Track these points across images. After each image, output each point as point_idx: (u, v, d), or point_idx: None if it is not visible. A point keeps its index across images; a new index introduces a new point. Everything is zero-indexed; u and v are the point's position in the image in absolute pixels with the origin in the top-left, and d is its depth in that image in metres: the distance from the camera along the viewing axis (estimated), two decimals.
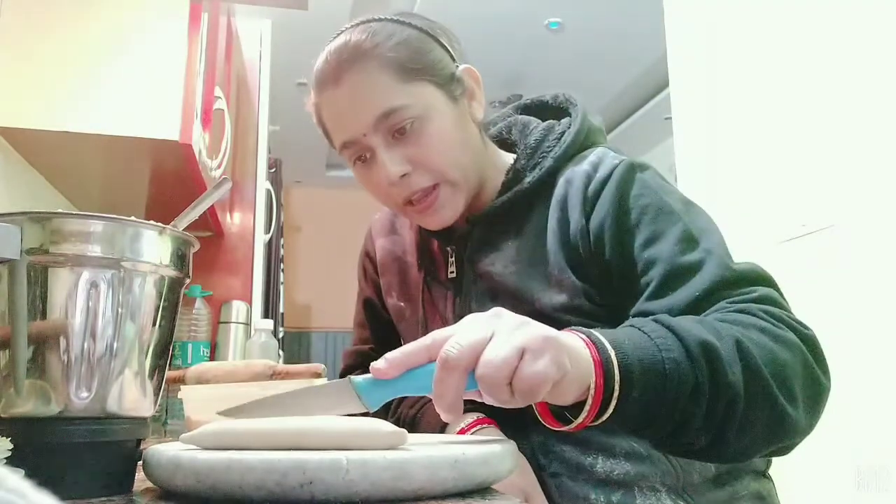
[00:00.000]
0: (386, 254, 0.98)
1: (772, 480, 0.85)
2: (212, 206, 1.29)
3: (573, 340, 0.54)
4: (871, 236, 1.56)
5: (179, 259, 0.55)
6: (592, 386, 0.53)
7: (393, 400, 0.67)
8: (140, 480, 0.53)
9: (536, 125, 0.89)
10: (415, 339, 0.91)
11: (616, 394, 0.53)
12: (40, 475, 0.31)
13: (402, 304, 0.95)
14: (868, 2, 1.62)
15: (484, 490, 0.49)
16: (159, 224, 0.53)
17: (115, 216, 0.51)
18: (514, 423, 0.77)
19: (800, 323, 0.65)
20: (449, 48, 0.83)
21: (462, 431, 0.77)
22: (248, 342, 1.88)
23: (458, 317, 0.86)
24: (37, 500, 0.23)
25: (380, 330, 1.04)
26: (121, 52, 1.24)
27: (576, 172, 0.80)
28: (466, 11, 3.14)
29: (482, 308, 0.83)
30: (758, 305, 0.65)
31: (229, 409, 0.55)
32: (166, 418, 1.29)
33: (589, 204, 0.77)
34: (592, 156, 0.81)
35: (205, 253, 1.62)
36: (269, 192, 2.47)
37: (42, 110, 1.19)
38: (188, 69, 1.27)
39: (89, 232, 0.50)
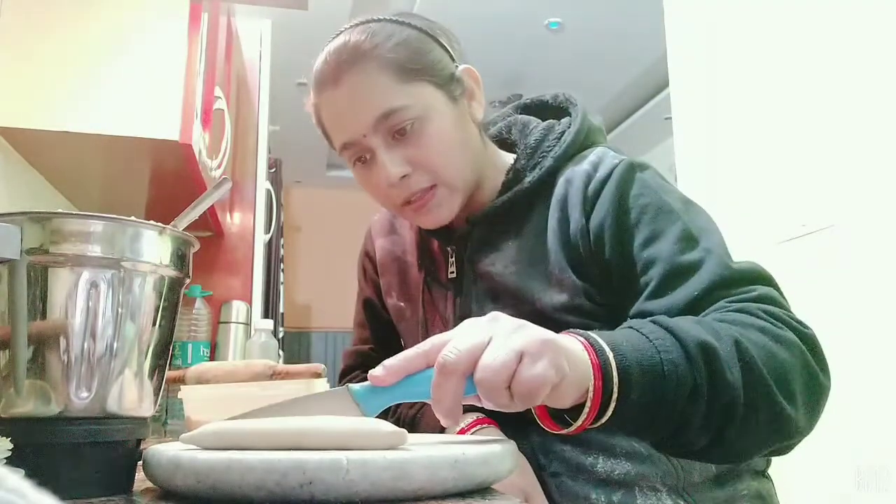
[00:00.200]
0: (386, 254, 0.98)
1: (771, 480, 0.85)
2: (212, 206, 1.29)
3: (571, 343, 0.54)
4: (871, 236, 1.56)
5: (179, 259, 0.55)
6: (591, 388, 0.53)
7: None
8: (140, 480, 0.53)
9: (536, 125, 0.89)
10: (415, 339, 0.92)
11: (615, 396, 0.53)
12: (40, 475, 0.31)
13: (402, 304, 0.95)
14: (868, 2, 1.62)
15: (484, 490, 0.49)
16: (159, 224, 0.53)
17: (115, 216, 0.51)
18: (514, 423, 0.77)
19: (799, 322, 0.65)
20: (448, 48, 0.83)
21: (462, 431, 0.77)
22: (248, 342, 1.88)
23: (459, 317, 0.86)
24: (37, 500, 0.23)
25: (380, 330, 1.04)
26: (121, 52, 1.24)
27: (576, 172, 0.80)
28: (466, 11, 3.14)
29: (482, 308, 0.83)
30: (757, 305, 0.65)
31: (226, 420, 0.54)
32: (166, 418, 1.29)
33: (589, 203, 0.77)
34: (592, 155, 0.81)
35: (205, 253, 1.62)
36: (269, 192, 2.47)
37: (42, 110, 1.19)
38: (188, 69, 1.27)
39: (89, 232, 0.50)
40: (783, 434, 0.60)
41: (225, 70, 1.78)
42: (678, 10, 2.38)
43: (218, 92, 1.62)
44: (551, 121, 0.88)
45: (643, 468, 0.74)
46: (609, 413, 0.54)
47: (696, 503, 0.74)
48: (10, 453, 0.44)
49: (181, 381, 0.84)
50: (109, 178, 1.52)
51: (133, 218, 0.52)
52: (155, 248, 0.53)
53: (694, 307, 0.67)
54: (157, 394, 0.55)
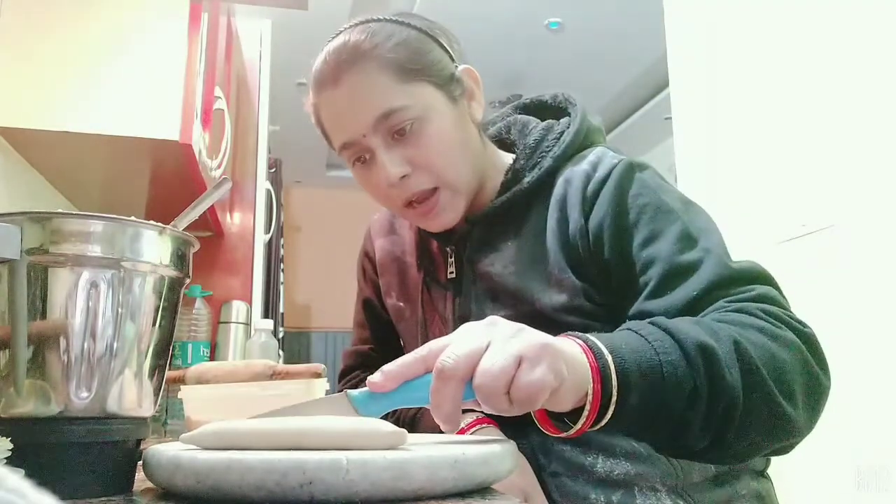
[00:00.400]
0: (385, 254, 0.98)
1: (771, 480, 0.85)
2: (212, 206, 1.29)
3: (570, 346, 0.54)
4: (871, 236, 1.56)
5: (179, 259, 0.55)
6: (590, 392, 0.53)
7: None
8: (140, 480, 0.53)
9: (535, 125, 0.89)
10: (414, 339, 0.92)
11: (614, 399, 0.53)
12: (40, 475, 0.31)
13: (401, 304, 0.95)
14: (868, 2, 1.62)
15: (484, 490, 0.49)
16: (159, 224, 0.53)
17: (115, 216, 0.51)
18: (513, 423, 0.77)
19: (799, 321, 0.65)
20: (448, 48, 0.83)
21: (462, 431, 0.77)
22: (248, 342, 1.88)
23: (458, 317, 0.86)
24: (37, 500, 0.23)
25: (379, 330, 1.04)
26: (121, 52, 1.24)
27: (575, 172, 0.80)
28: (466, 11, 3.14)
29: (482, 308, 0.83)
30: (756, 304, 0.65)
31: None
32: (166, 418, 1.29)
33: (588, 203, 0.77)
34: (591, 155, 0.81)
35: (205, 253, 1.62)
36: (269, 192, 2.47)
37: (42, 110, 1.19)
38: (188, 69, 1.27)
39: (89, 232, 0.50)
40: (783, 434, 0.60)
41: (225, 70, 1.78)
42: (678, 10, 2.38)
43: (218, 92, 1.62)
44: (550, 121, 0.88)
45: (642, 468, 0.74)
46: (608, 416, 0.54)
47: (696, 503, 0.74)
48: (10, 453, 0.44)
49: (181, 381, 0.84)
50: (109, 178, 1.52)
51: (133, 218, 0.52)
52: (155, 248, 0.53)
53: (693, 307, 0.67)
54: (157, 394, 0.55)
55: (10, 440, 0.44)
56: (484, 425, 0.78)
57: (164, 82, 1.25)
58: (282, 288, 3.08)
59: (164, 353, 0.55)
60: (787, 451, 0.63)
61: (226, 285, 2.16)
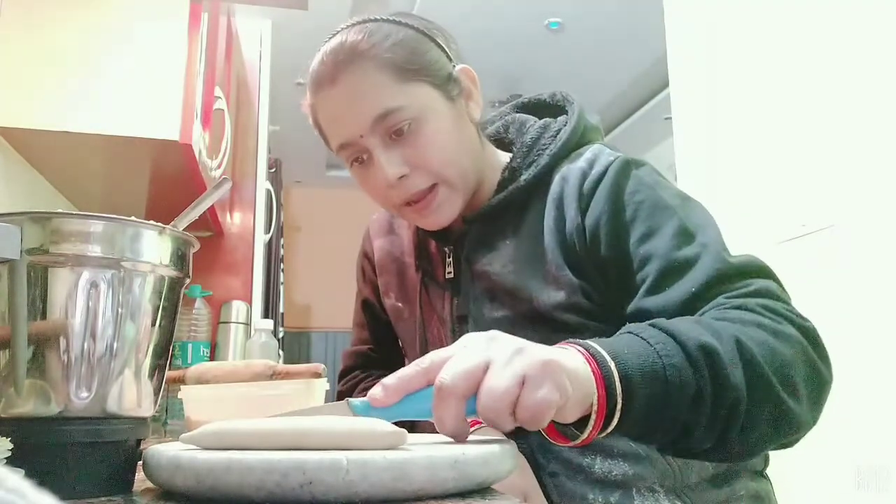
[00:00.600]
0: (384, 254, 0.98)
1: (769, 480, 0.85)
2: (212, 206, 1.29)
3: (572, 358, 0.53)
4: (871, 236, 1.56)
5: (179, 259, 0.55)
6: (595, 402, 0.52)
7: None
8: (140, 480, 0.53)
9: (533, 123, 0.89)
10: (412, 339, 0.92)
11: (619, 406, 0.53)
12: (40, 475, 0.31)
13: (399, 304, 0.95)
14: (868, 2, 1.62)
15: (484, 490, 0.49)
16: (159, 224, 0.53)
17: (115, 216, 0.51)
18: None
19: (799, 315, 0.64)
20: (445, 48, 0.83)
21: None
22: (248, 342, 1.88)
23: (456, 318, 0.86)
24: (37, 500, 0.23)
25: (378, 330, 1.04)
26: (121, 52, 1.24)
27: (571, 170, 0.80)
28: (466, 11, 3.14)
29: (480, 308, 0.83)
30: (756, 300, 0.64)
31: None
32: (166, 418, 1.29)
33: (584, 201, 0.77)
34: (588, 153, 0.81)
35: (205, 253, 1.61)
36: (269, 192, 2.47)
37: (42, 110, 1.19)
38: (188, 69, 1.27)
39: (89, 232, 0.50)
40: (788, 429, 0.60)
41: (225, 70, 1.77)
42: (678, 10, 2.38)
43: (218, 92, 1.62)
44: (547, 119, 0.88)
45: (641, 469, 0.74)
46: (614, 422, 0.54)
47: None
48: (10, 453, 0.44)
49: (181, 381, 0.84)
50: (109, 178, 1.52)
51: (133, 218, 0.52)
52: (155, 248, 0.53)
53: (691, 303, 0.67)
54: (157, 394, 0.55)
55: (10, 440, 0.44)
56: (484, 425, 0.78)
57: (164, 82, 1.25)
58: (282, 288, 3.08)
59: (164, 353, 0.55)
60: (791, 446, 0.63)
61: (226, 285, 2.16)
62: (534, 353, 0.51)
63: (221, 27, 1.69)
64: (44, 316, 0.48)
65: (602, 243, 0.75)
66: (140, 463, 0.51)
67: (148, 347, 0.53)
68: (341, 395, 1.05)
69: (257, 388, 0.82)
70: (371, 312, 1.04)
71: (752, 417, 0.57)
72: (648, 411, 0.54)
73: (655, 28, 2.56)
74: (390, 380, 0.53)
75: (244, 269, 2.24)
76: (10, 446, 0.44)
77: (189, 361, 1.79)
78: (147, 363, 0.53)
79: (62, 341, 0.48)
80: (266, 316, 2.58)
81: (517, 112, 0.95)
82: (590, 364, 0.53)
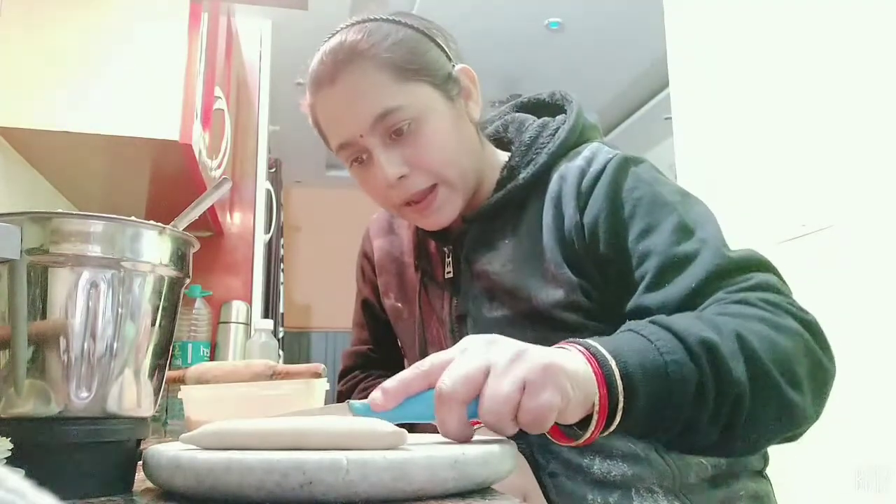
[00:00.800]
0: (384, 254, 0.98)
1: (769, 480, 0.85)
2: (212, 206, 1.29)
3: (573, 360, 0.53)
4: (870, 236, 1.57)
5: (179, 259, 0.55)
6: (597, 403, 0.52)
7: None
8: (140, 480, 0.53)
9: (531, 122, 0.89)
10: (412, 339, 0.92)
11: (621, 405, 0.53)
12: (40, 475, 0.31)
13: (399, 304, 0.95)
14: (868, 2, 1.62)
15: (484, 490, 0.49)
16: (159, 224, 0.53)
17: (115, 216, 0.51)
18: None
19: (800, 308, 0.64)
20: (445, 48, 0.83)
21: None
22: (248, 342, 1.88)
23: (455, 317, 0.86)
24: (37, 500, 0.23)
25: (378, 330, 1.04)
26: (121, 52, 1.24)
27: (569, 168, 0.80)
28: (466, 11, 3.14)
29: (479, 308, 0.83)
30: (756, 294, 0.64)
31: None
32: (166, 418, 1.29)
33: (583, 199, 0.77)
34: (586, 151, 0.81)
35: (205, 253, 1.62)
36: (269, 192, 2.47)
37: (42, 110, 1.19)
38: (188, 69, 1.27)
39: (89, 232, 0.50)
40: (792, 423, 0.59)
41: (225, 70, 1.78)
42: (678, 10, 2.38)
43: (218, 92, 1.62)
44: (545, 118, 0.88)
45: (640, 469, 0.74)
46: (617, 421, 0.53)
47: None
48: (10, 453, 0.44)
49: (181, 381, 0.84)
50: (109, 178, 1.52)
51: (133, 218, 0.52)
52: (155, 248, 0.53)
53: (691, 299, 0.67)
54: (157, 394, 0.55)
55: (10, 440, 0.44)
56: (483, 425, 0.78)
57: (164, 82, 1.25)
58: (282, 288, 3.08)
59: (164, 353, 0.55)
60: (796, 440, 0.62)
61: (226, 285, 2.16)
62: (534, 356, 0.50)
63: (221, 27, 1.69)
64: (44, 316, 0.48)
65: (601, 240, 0.75)
66: (140, 463, 0.51)
67: (148, 347, 0.53)
68: (341, 396, 1.05)
69: (257, 388, 0.82)
70: (371, 312, 1.04)
71: (756, 411, 0.56)
72: (651, 408, 0.54)
73: (655, 28, 2.56)
74: (390, 383, 0.53)
75: (244, 269, 2.24)
76: (10, 446, 0.44)
77: (189, 361, 1.79)
78: (147, 363, 0.53)
79: (62, 341, 0.48)
80: (266, 316, 2.58)
81: (516, 112, 0.95)
82: (590, 363, 0.53)
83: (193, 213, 0.56)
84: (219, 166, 1.68)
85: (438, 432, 0.52)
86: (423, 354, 0.88)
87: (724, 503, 0.77)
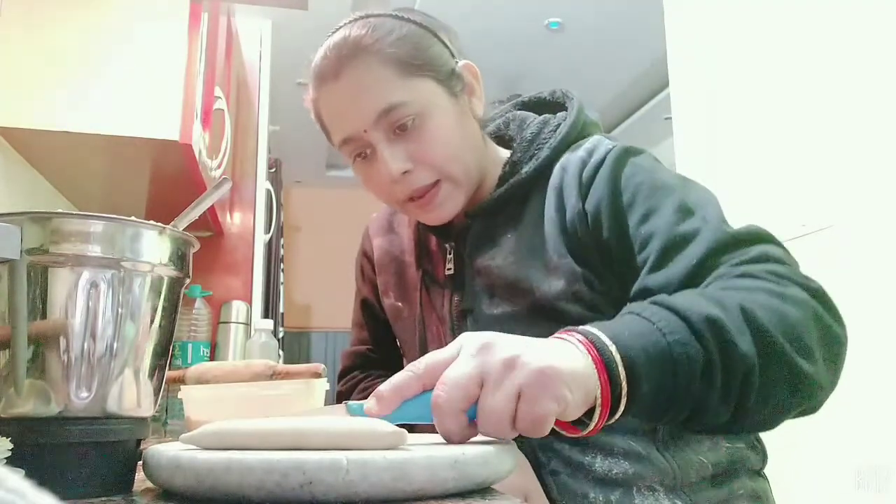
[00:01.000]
0: (383, 253, 0.98)
1: (767, 480, 0.85)
2: (212, 206, 1.29)
3: (570, 355, 0.51)
4: (870, 236, 1.57)
5: (179, 259, 0.55)
6: (598, 395, 0.51)
7: None
8: (140, 480, 0.53)
9: (533, 119, 0.89)
10: (411, 338, 0.92)
11: (624, 392, 0.51)
12: (40, 475, 0.31)
13: (399, 303, 0.95)
14: (867, 2, 1.62)
15: (484, 490, 0.49)
16: (159, 224, 0.53)
17: (115, 216, 0.51)
18: None
19: (805, 277, 0.63)
20: (448, 44, 0.83)
21: None
22: (248, 342, 1.88)
23: (456, 314, 0.86)
24: (37, 500, 0.23)
25: (377, 330, 1.04)
26: (121, 52, 1.24)
27: (571, 159, 0.80)
28: (466, 11, 3.14)
29: (480, 304, 0.83)
30: (759, 266, 0.63)
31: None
32: (166, 418, 1.29)
33: (584, 188, 0.78)
34: (588, 143, 0.81)
35: (205, 253, 1.62)
36: (269, 192, 2.47)
37: (42, 110, 1.19)
38: (188, 69, 1.27)
39: (89, 232, 0.50)
40: (806, 394, 0.58)
41: (225, 70, 1.77)
42: (678, 10, 2.38)
43: (218, 92, 1.62)
44: (547, 115, 0.89)
45: (640, 468, 0.74)
46: (621, 410, 0.52)
47: (693, 503, 0.74)
48: (10, 453, 0.44)
49: (181, 381, 0.84)
50: (109, 178, 1.52)
51: (133, 218, 0.52)
52: (155, 248, 0.53)
53: (695, 275, 0.66)
54: (157, 394, 0.55)
55: (10, 440, 0.44)
56: None
57: (164, 82, 1.25)
58: (282, 288, 3.08)
59: (164, 353, 0.55)
60: (814, 411, 0.60)
61: (226, 285, 2.16)
62: (529, 362, 0.49)
63: (221, 27, 1.69)
64: (44, 316, 0.48)
65: (604, 227, 0.75)
66: (140, 463, 0.51)
67: (148, 347, 0.53)
68: (340, 396, 1.05)
69: (257, 388, 0.82)
70: (370, 312, 1.04)
71: (767, 385, 0.55)
72: (657, 392, 0.52)
73: (655, 28, 2.56)
74: (385, 388, 0.52)
75: (244, 269, 2.24)
76: (10, 446, 0.44)
77: (189, 361, 1.79)
78: (147, 363, 0.53)
79: (62, 341, 0.48)
80: (266, 316, 2.58)
81: (517, 110, 0.95)
82: (590, 353, 0.51)
83: (193, 213, 0.56)
84: (219, 166, 1.68)
85: (438, 432, 0.52)
86: (423, 353, 0.88)
87: (724, 501, 0.77)
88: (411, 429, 0.53)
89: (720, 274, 0.64)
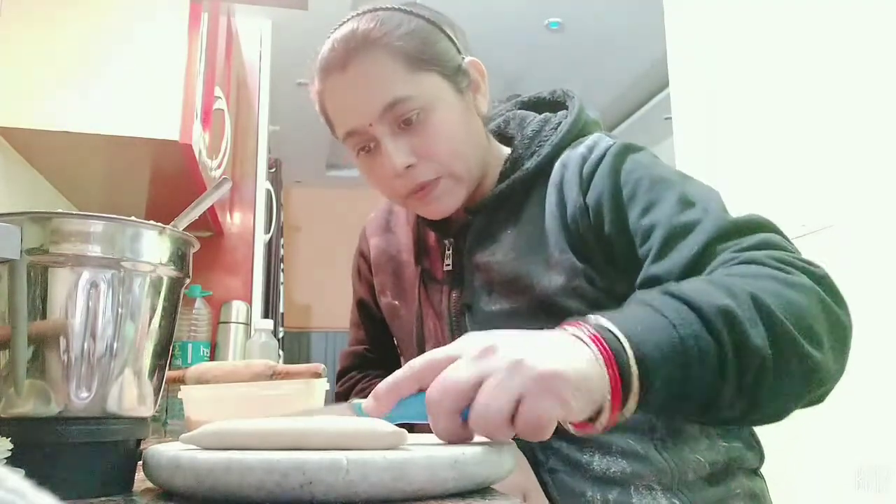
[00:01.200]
0: (380, 253, 0.98)
1: (764, 479, 0.85)
2: (212, 206, 1.29)
3: (577, 357, 0.49)
4: (870, 236, 1.57)
5: (179, 259, 0.55)
6: (608, 395, 0.49)
7: None
8: (140, 480, 0.53)
9: (533, 118, 0.90)
10: (409, 337, 0.92)
11: (635, 390, 0.50)
12: (40, 475, 0.31)
13: (396, 302, 0.95)
14: (867, 2, 1.62)
15: (484, 490, 0.49)
16: (159, 224, 0.53)
17: (115, 216, 0.51)
18: None
19: (809, 262, 0.62)
20: (455, 40, 0.83)
21: None
22: (248, 342, 1.88)
23: (454, 312, 0.86)
24: (37, 500, 0.23)
25: (374, 330, 1.04)
26: (121, 52, 1.24)
27: (571, 156, 0.81)
28: (466, 11, 3.14)
29: (479, 301, 0.83)
30: (763, 252, 0.63)
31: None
32: (166, 418, 1.29)
33: (585, 183, 0.78)
34: (588, 140, 0.82)
35: (205, 253, 1.62)
36: (269, 192, 2.47)
37: (42, 110, 1.19)
38: (188, 69, 1.27)
39: (89, 232, 0.50)
40: (816, 382, 0.57)
41: (225, 70, 1.77)
42: (678, 10, 2.38)
43: (218, 92, 1.62)
44: (547, 114, 0.89)
45: (639, 467, 0.74)
46: (632, 407, 0.51)
47: (690, 502, 0.74)
48: (10, 453, 0.44)
49: (181, 381, 0.84)
50: (109, 178, 1.52)
51: (133, 218, 0.52)
52: (155, 248, 0.53)
53: (697, 263, 0.66)
54: (157, 394, 0.55)
55: (10, 440, 0.44)
56: None
57: (164, 82, 1.25)
58: (282, 288, 3.08)
59: (164, 353, 0.55)
60: (822, 401, 0.60)
61: (226, 285, 2.16)
62: (533, 365, 0.47)
63: (221, 27, 1.69)
64: (44, 316, 0.49)
65: (605, 221, 0.75)
66: (140, 463, 0.51)
67: (148, 347, 0.53)
68: (339, 397, 1.05)
69: (257, 388, 0.82)
70: (366, 312, 1.04)
71: (780, 375, 0.54)
72: (669, 388, 0.51)
73: (655, 28, 2.56)
74: (382, 387, 0.52)
75: (244, 269, 2.24)
76: (10, 446, 0.44)
77: (189, 361, 1.79)
78: (147, 363, 0.53)
79: (62, 341, 0.48)
80: (266, 316, 2.58)
81: (517, 109, 0.96)
82: (601, 350, 0.49)
83: (193, 213, 0.56)
84: (219, 166, 1.68)
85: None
86: (421, 350, 0.88)
87: (721, 501, 0.77)
88: (411, 429, 0.53)
89: (724, 260, 0.64)
